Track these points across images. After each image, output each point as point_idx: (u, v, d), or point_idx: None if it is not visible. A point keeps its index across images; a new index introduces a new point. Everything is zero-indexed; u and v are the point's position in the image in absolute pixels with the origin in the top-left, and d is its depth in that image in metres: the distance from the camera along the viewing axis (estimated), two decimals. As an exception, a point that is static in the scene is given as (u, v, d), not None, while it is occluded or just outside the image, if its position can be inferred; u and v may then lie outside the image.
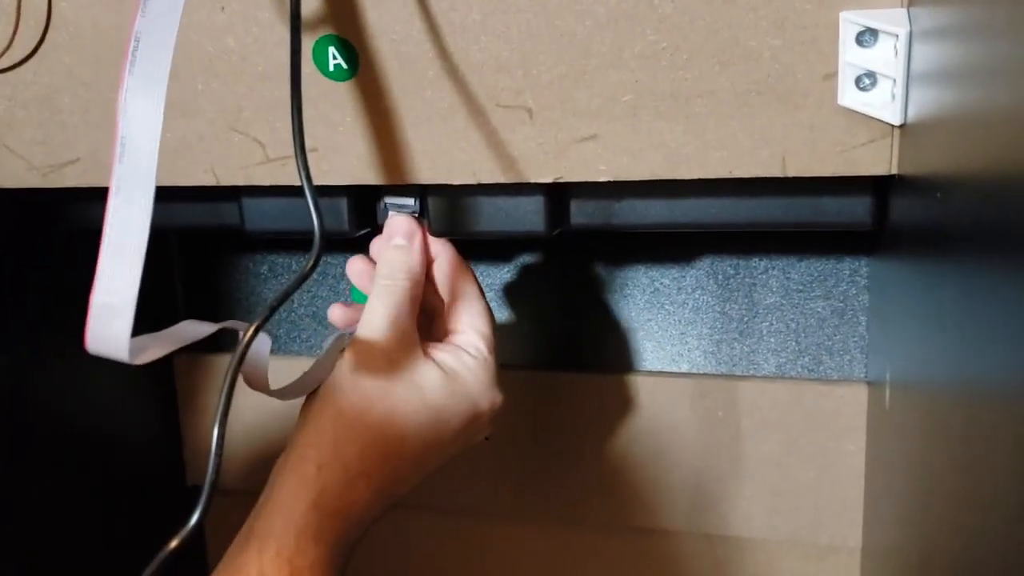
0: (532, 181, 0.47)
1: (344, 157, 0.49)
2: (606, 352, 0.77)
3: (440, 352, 0.49)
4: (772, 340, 0.74)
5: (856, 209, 0.49)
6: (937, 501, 0.34)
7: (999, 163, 0.25)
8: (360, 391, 0.46)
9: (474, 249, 0.55)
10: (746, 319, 0.74)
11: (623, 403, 0.73)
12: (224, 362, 0.80)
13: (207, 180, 0.51)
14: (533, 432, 0.75)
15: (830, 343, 0.73)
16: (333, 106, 0.48)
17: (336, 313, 0.52)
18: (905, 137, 0.42)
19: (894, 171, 0.44)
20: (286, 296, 0.39)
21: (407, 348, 0.48)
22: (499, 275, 0.79)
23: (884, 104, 0.42)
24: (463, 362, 0.49)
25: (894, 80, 0.41)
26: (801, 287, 0.73)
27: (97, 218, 0.38)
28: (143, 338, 0.39)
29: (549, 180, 0.47)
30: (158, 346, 0.39)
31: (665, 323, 0.76)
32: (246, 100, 0.48)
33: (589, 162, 0.46)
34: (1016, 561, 0.22)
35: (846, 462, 0.68)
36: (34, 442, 0.66)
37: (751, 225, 0.51)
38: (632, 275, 0.76)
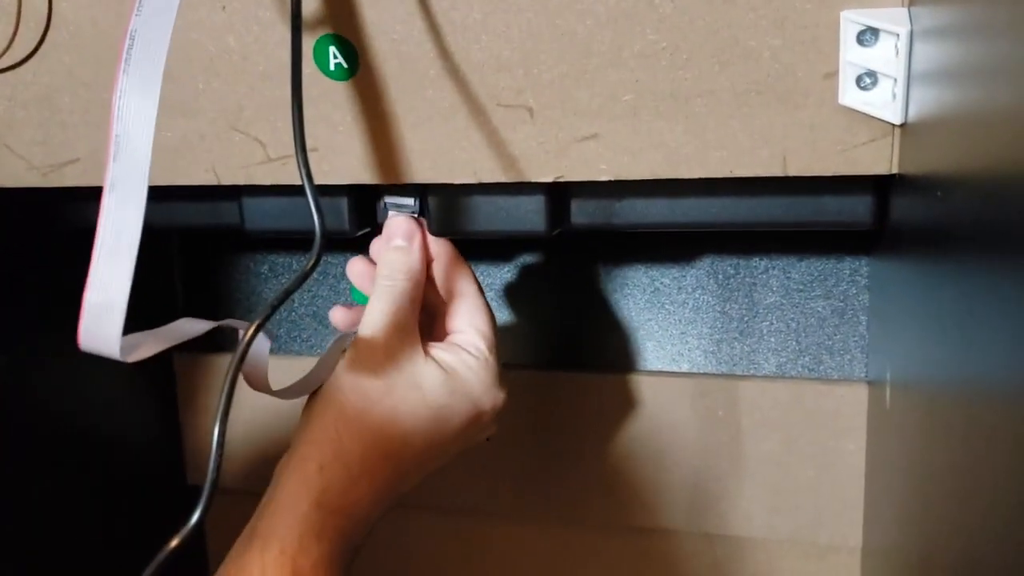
0: (533, 180, 0.47)
1: (345, 157, 0.49)
2: (606, 352, 0.77)
3: (441, 351, 0.49)
4: (772, 340, 0.74)
5: (857, 208, 0.49)
6: (937, 501, 0.34)
7: (1000, 163, 0.25)
8: (361, 390, 0.46)
9: (474, 249, 0.55)
10: (746, 319, 0.74)
11: (623, 403, 0.73)
12: (224, 362, 0.80)
13: (208, 179, 0.51)
14: (533, 432, 0.75)
15: (830, 343, 0.73)
16: (334, 106, 0.48)
17: (338, 315, 0.52)
18: (906, 136, 0.42)
19: (895, 170, 0.44)
20: (287, 295, 0.39)
21: (408, 348, 0.48)
22: (499, 275, 0.79)
23: (885, 103, 0.42)
24: (464, 361, 0.49)
25: (895, 79, 0.41)
26: (801, 287, 0.73)
27: (96, 218, 0.38)
28: (136, 335, 0.39)
29: (550, 179, 0.47)
30: (151, 344, 0.39)
31: (665, 322, 0.76)
32: (247, 99, 0.48)
33: (590, 161, 0.46)
34: (1016, 561, 0.22)
35: (846, 461, 0.68)
36: (34, 442, 0.66)
37: (751, 225, 0.51)
38: (632, 275, 0.76)
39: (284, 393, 0.47)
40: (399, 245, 0.51)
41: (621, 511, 0.75)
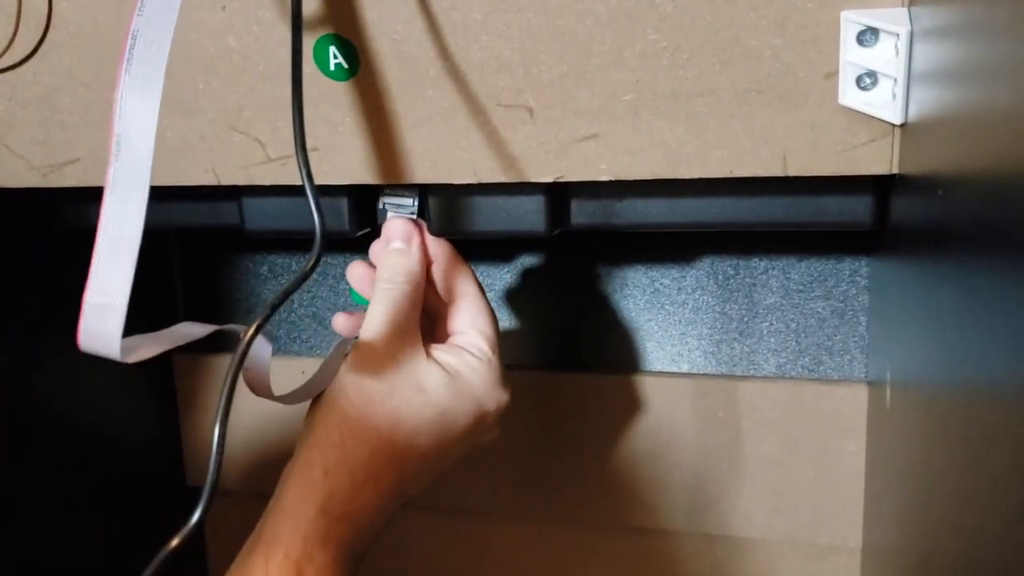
0: (533, 180, 0.47)
1: (345, 157, 0.49)
2: (606, 352, 0.77)
3: (443, 353, 0.49)
4: (772, 340, 0.74)
5: (857, 208, 0.49)
6: (937, 501, 0.34)
7: (1000, 163, 0.25)
8: (364, 394, 0.46)
9: (474, 249, 0.55)
10: (746, 319, 0.74)
11: (623, 403, 0.73)
12: (224, 363, 0.80)
13: (208, 180, 0.51)
14: (533, 432, 0.75)
15: (830, 343, 0.73)
16: (334, 106, 0.48)
17: (340, 321, 0.52)
18: (906, 136, 0.42)
19: (895, 170, 0.44)
20: (286, 295, 0.39)
21: (410, 350, 0.48)
22: (499, 275, 0.79)
23: (885, 103, 0.42)
24: (466, 362, 0.49)
25: (895, 79, 0.41)
26: (801, 287, 0.73)
27: (96, 218, 0.38)
28: (136, 337, 0.39)
29: (550, 179, 0.47)
30: (151, 345, 0.39)
31: (665, 323, 0.76)
32: (247, 100, 0.48)
33: (590, 161, 0.46)
34: (1016, 561, 0.22)
35: (846, 462, 0.68)
36: (33, 442, 0.66)
37: (752, 225, 0.51)
38: (632, 275, 0.76)
39: (286, 398, 0.47)
40: (398, 247, 0.51)
41: (621, 511, 0.75)
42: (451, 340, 0.51)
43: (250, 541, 0.45)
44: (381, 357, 0.47)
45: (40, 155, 0.52)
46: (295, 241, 0.79)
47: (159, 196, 0.52)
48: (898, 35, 0.40)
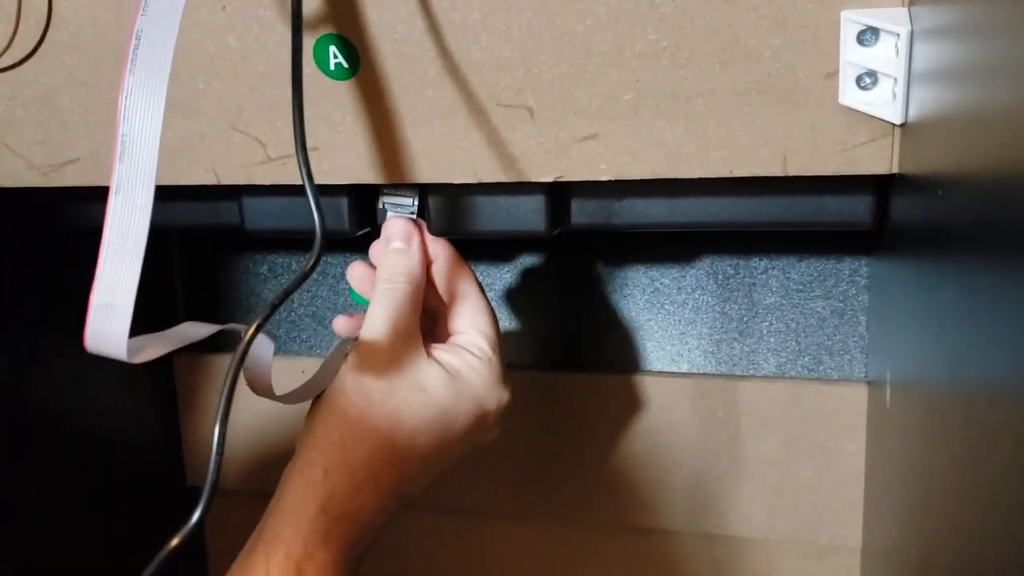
0: (533, 180, 0.47)
1: (345, 156, 0.49)
2: (606, 352, 0.77)
3: (443, 353, 0.49)
4: (772, 340, 0.74)
5: (857, 208, 0.49)
6: (937, 501, 0.34)
7: (1000, 163, 0.25)
8: (365, 394, 0.46)
9: (474, 249, 0.55)
10: (746, 319, 0.74)
11: (623, 403, 0.73)
12: (224, 362, 0.80)
13: (208, 179, 0.51)
14: (533, 432, 0.75)
15: (830, 343, 0.73)
16: (334, 105, 0.48)
17: (341, 323, 0.52)
18: (906, 136, 0.42)
19: (895, 170, 0.44)
20: (287, 295, 0.39)
21: (410, 350, 0.48)
22: (499, 275, 0.79)
23: (885, 103, 0.42)
24: (467, 362, 0.49)
25: (895, 79, 0.41)
26: (801, 287, 0.73)
27: (97, 218, 0.38)
28: (142, 338, 0.39)
29: (550, 179, 0.47)
30: (157, 346, 0.39)
31: (665, 323, 0.76)
32: (247, 99, 0.48)
33: (590, 161, 0.46)
34: (1016, 561, 0.22)
35: (846, 462, 0.68)
36: (33, 442, 0.66)
37: (752, 224, 0.51)
38: (632, 275, 0.76)
39: (287, 398, 0.47)
40: (398, 247, 0.51)
41: (621, 511, 0.75)
42: (451, 340, 0.51)
43: (251, 541, 0.45)
44: (381, 357, 0.47)
45: (40, 155, 0.52)
46: (295, 241, 0.79)
47: (159, 195, 0.53)
48: (898, 35, 0.40)
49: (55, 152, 0.52)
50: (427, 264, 0.52)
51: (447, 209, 0.52)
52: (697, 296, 0.75)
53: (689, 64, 0.43)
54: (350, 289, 0.54)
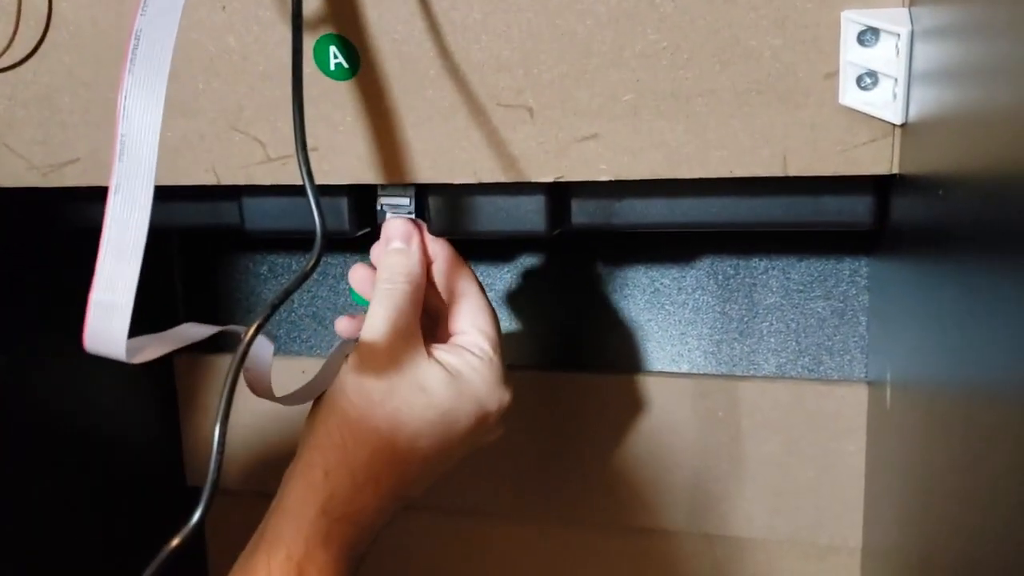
0: (533, 180, 0.47)
1: (345, 156, 0.49)
2: (606, 352, 0.77)
3: (444, 353, 0.49)
4: (772, 340, 0.74)
5: (857, 208, 0.49)
6: (937, 501, 0.34)
7: (1000, 163, 0.25)
8: (365, 394, 0.46)
9: (474, 249, 0.55)
10: (746, 319, 0.74)
11: (623, 403, 0.73)
12: (225, 362, 0.80)
13: (208, 179, 0.51)
14: (533, 432, 0.75)
15: (830, 343, 0.73)
16: (334, 105, 0.48)
17: (342, 324, 0.52)
18: (906, 136, 0.42)
19: (895, 170, 0.44)
20: (287, 295, 0.39)
21: (411, 350, 0.48)
22: (499, 275, 0.79)
23: (885, 103, 0.42)
24: (468, 362, 0.49)
25: (895, 79, 0.41)
26: (801, 287, 0.73)
27: (97, 218, 0.38)
28: (142, 338, 0.39)
29: (550, 179, 0.47)
30: (156, 346, 0.39)
31: (665, 323, 0.76)
32: (247, 99, 0.48)
33: (590, 161, 0.46)
34: (1016, 561, 0.22)
35: (846, 462, 0.68)
36: (33, 442, 0.66)
37: (752, 225, 0.51)
38: (632, 275, 0.76)
39: (287, 399, 0.47)
40: (397, 247, 0.51)
41: (621, 511, 0.75)
42: (452, 340, 0.51)
43: (252, 541, 0.45)
44: (382, 358, 0.47)
45: (40, 155, 0.52)
46: (295, 241, 0.79)
47: (159, 196, 0.52)
48: (899, 35, 0.40)
49: (55, 152, 0.52)
50: (427, 264, 0.52)
51: (447, 209, 0.52)
52: (697, 296, 0.75)
53: (689, 64, 0.43)
54: (351, 290, 0.54)
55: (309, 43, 0.46)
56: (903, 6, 0.41)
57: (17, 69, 0.50)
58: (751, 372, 0.74)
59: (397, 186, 0.50)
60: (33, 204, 0.58)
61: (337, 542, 0.44)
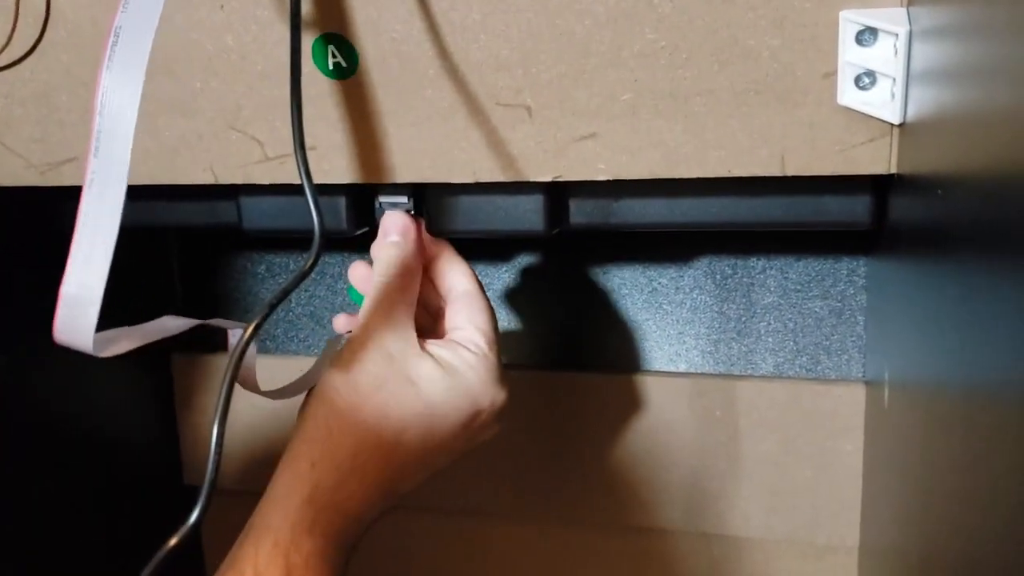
0: (531, 180, 0.47)
1: (343, 156, 0.49)
2: (604, 352, 0.77)
3: (438, 348, 0.49)
4: (770, 340, 0.74)
5: (855, 208, 0.49)
6: (935, 500, 0.34)
7: (999, 163, 0.25)
8: (354, 387, 0.46)
9: (473, 248, 0.55)
10: (744, 319, 0.74)
11: (621, 403, 0.73)
12: (222, 362, 0.80)
13: (206, 179, 0.51)
14: (532, 432, 0.75)
15: (828, 343, 0.73)
16: (332, 105, 0.48)
17: (341, 321, 0.53)
18: (904, 136, 0.42)
19: (893, 170, 0.44)
20: (285, 295, 0.39)
21: (402, 343, 0.48)
22: (498, 275, 0.79)
23: (884, 103, 0.42)
24: (462, 358, 0.49)
25: (894, 79, 0.41)
26: (799, 287, 0.73)
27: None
28: (112, 331, 0.39)
29: (548, 179, 0.47)
30: (127, 340, 0.40)
31: (663, 323, 0.76)
32: (245, 99, 0.48)
33: (588, 161, 0.46)
34: (1016, 561, 0.22)
35: (843, 462, 0.68)
36: (32, 442, 0.66)
37: (750, 224, 0.51)
38: (630, 275, 0.76)
39: (277, 393, 0.47)
40: (393, 241, 0.51)
41: (620, 511, 0.75)
42: (448, 336, 0.51)
43: (242, 534, 0.45)
44: (373, 351, 0.47)
45: (38, 153, 0.52)
46: (293, 240, 0.79)
47: (157, 195, 0.53)
48: (897, 35, 0.40)
49: (53, 151, 0.52)
50: (426, 261, 0.52)
51: (446, 209, 0.52)
52: (695, 296, 0.75)
53: (687, 64, 0.43)
54: (349, 288, 0.54)
55: (307, 42, 0.46)
56: (901, 6, 0.41)
57: (15, 67, 0.50)
58: (749, 372, 0.74)
59: (395, 185, 0.50)
60: (31, 203, 0.58)
61: (323, 530, 0.44)
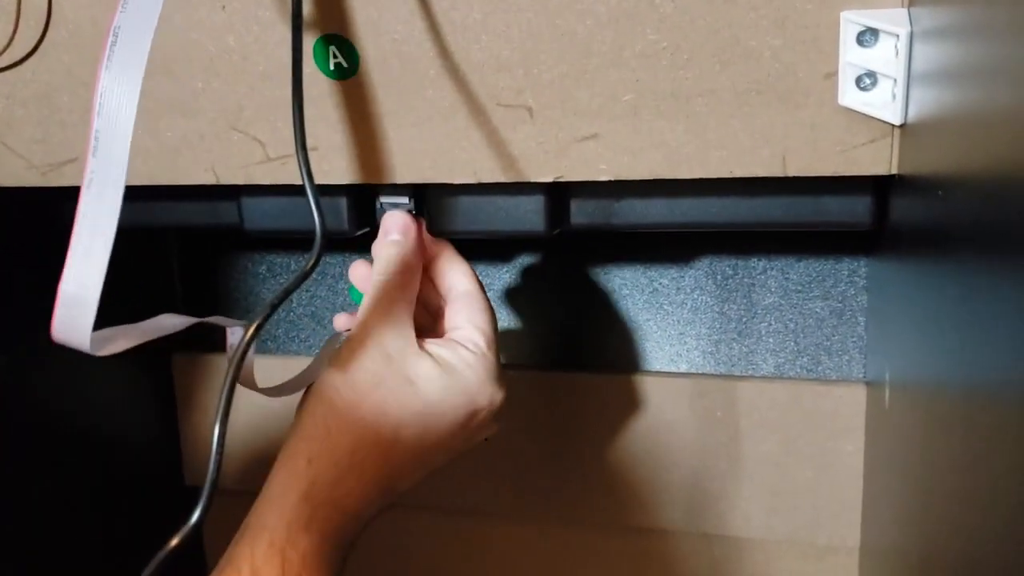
0: (532, 180, 0.47)
1: (344, 156, 0.49)
2: (605, 352, 0.77)
3: (436, 347, 0.49)
4: (771, 340, 0.74)
5: (856, 209, 0.49)
6: (936, 501, 0.34)
7: (999, 163, 0.25)
8: (352, 384, 0.46)
9: (474, 249, 0.55)
10: (745, 319, 0.74)
11: (622, 403, 0.73)
12: (222, 362, 0.80)
13: (207, 179, 0.51)
14: (532, 432, 0.75)
15: (828, 343, 0.73)
16: (333, 105, 0.48)
17: (341, 321, 0.53)
18: (905, 137, 0.42)
19: (894, 171, 0.44)
20: (286, 295, 0.39)
21: (401, 342, 0.48)
22: (499, 275, 0.79)
23: (884, 104, 0.42)
24: (460, 356, 0.49)
25: (894, 80, 0.41)
26: (800, 287, 0.73)
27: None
28: (109, 330, 0.39)
29: (549, 179, 0.47)
30: (125, 338, 0.40)
31: (664, 323, 0.76)
32: (247, 99, 0.48)
33: (589, 161, 0.46)
34: (1016, 561, 0.22)
35: (844, 462, 0.68)
36: (33, 442, 0.66)
37: (751, 225, 0.51)
38: (631, 275, 0.76)
39: (275, 391, 0.47)
40: (394, 239, 0.51)
41: (620, 511, 0.75)
42: (448, 335, 0.51)
43: (238, 533, 0.45)
44: (371, 349, 0.47)
45: (39, 154, 0.52)
46: (294, 240, 0.79)
47: (158, 195, 0.53)
48: (898, 36, 0.40)
49: (54, 151, 0.52)
50: (426, 260, 0.52)
51: (447, 209, 0.52)
52: (696, 296, 0.75)
53: (689, 64, 0.43)
54: (350, 287, 0.54)
55: (309, 43, 0.46)
56: (902, 7, 0.41)
57: (17, 68, 0.50)
58: (749, 372, 0.74)
59: (396, 186, 0.50)
60: (33, 203, 0.58)
61: (320, 527, 0.44)
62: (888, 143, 0.43)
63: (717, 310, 0.75)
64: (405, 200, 0.52)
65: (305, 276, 0.40)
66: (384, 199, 0.53)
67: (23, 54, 0.50)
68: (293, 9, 0.43)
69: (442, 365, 0.48)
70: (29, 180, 0.53)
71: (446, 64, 0.46)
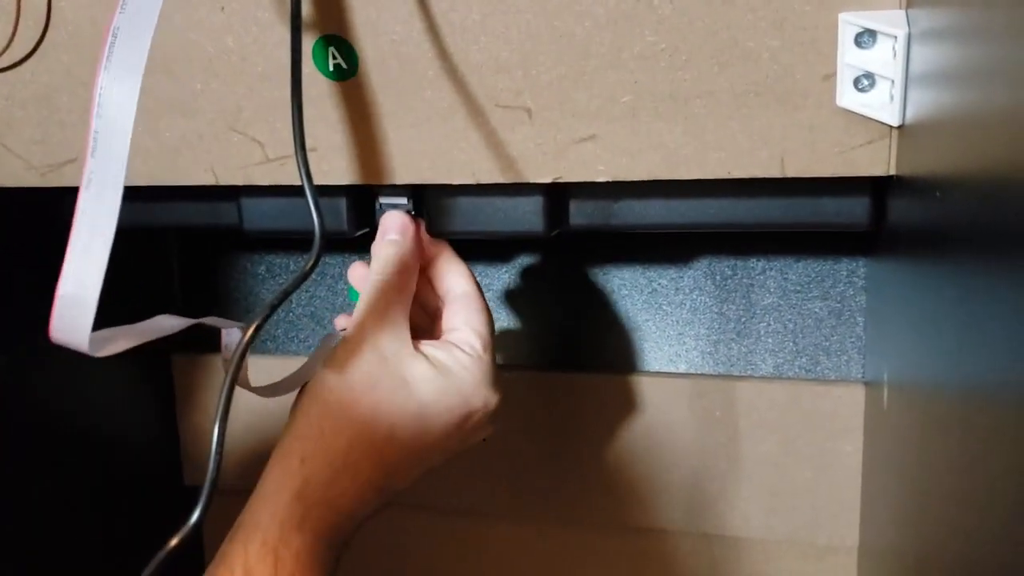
0: (531, 181, 0.47)
1: (343, 157, 0.49)
2: (604, 352, 0.77)
3: (432, 348, 0.49)
4: (769, 340, 0.74)
5: (854, 210, 0.49)
6: (934, 501, 0.34)
7: (997, 164, 0.25)
8: (346, 384, 0.46)
9: (473, 249, 0.55)
10: (743, 319, 0.74)
11: (621, 403, 0.73)
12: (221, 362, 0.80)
13: (206, 180, 0.51)
14: (531, 432, 0.75)
15: (827, 344, 0.73)
16: (332, 106, 0.48)
17: (341, 322, 0.53)
18: (903, 138, 0.42)
19: (892, 172, 0.44)
20: (286, 296, 0.39)
21: (396, 342, 0.48)
22: (498, 275, 0.79)
23: (882, 105, 0.42)
24: (456, 358, 0.49)
25: (892, 81, 0.41)
26: (799, 288, 0.73)
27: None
28: (108, 330, 0.39)
29: (548, 180, 0.47)
30: (124, 339, 0.40)
31: (663, 323, 0.76)
32: (245, 100, 0.49)
33: (588, 162, 0.46)
34: (1014, 561, 0.22)
35: (843, 462, 0.68)
36: (33, 442, 0.66)
37: (749, 226, 0.51)
38: (630, 275, 0.76)
39: (270, 390, 0.47)
40: (392, 239, 0.51)
41: (619, 511, 0.75)
42: (444, 337, 0.51)
43: (231, 532, 0.45)
44: (366, 349, 0.47)
45: (39, 154, 0.52)
46: (293, 241, 0.79)
47: (158, 195, 0.53)
48: (896, 37, 0.40)
49: (54, 152, 0.52)
50: (425, 261, 0.53)
51: (445, 210, 0.52)
52: (695, 297, 0.75)
53: (687, 66, 0.43)
54: (349, 288, 0.54)
55: (308, 44, 0.46)
56: (900, 8, 0.41)
57: (16, 69, 0.50)
58: (748, 372, 0.75)
59: (395, 186, 0.50)
60: (32, 204, 0.58)
61: (313, 526, 0.44)
62: (886, 144, 0.43)
63: (716, 310, 0.75)
64: (404, 201, 0.52)
65: (304, 277, 0.40)
66: (383, 200, 0.53)
67: (23, 55, 0.50)
68: (292, 10, 0.43)
69: (437, 367, 0.48)
70: (28, 180, 0.53)
71: (445, 65, 0.46)
